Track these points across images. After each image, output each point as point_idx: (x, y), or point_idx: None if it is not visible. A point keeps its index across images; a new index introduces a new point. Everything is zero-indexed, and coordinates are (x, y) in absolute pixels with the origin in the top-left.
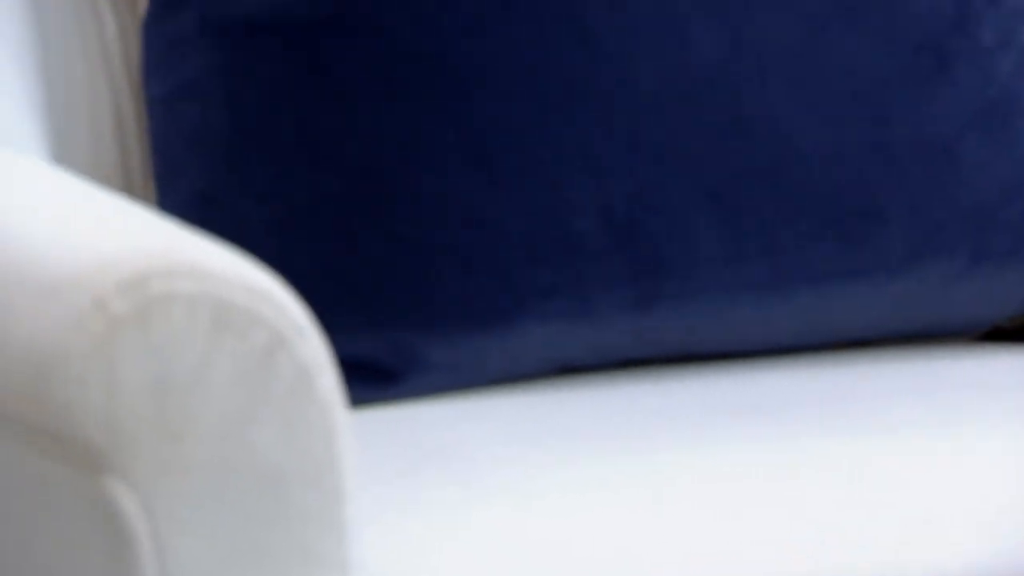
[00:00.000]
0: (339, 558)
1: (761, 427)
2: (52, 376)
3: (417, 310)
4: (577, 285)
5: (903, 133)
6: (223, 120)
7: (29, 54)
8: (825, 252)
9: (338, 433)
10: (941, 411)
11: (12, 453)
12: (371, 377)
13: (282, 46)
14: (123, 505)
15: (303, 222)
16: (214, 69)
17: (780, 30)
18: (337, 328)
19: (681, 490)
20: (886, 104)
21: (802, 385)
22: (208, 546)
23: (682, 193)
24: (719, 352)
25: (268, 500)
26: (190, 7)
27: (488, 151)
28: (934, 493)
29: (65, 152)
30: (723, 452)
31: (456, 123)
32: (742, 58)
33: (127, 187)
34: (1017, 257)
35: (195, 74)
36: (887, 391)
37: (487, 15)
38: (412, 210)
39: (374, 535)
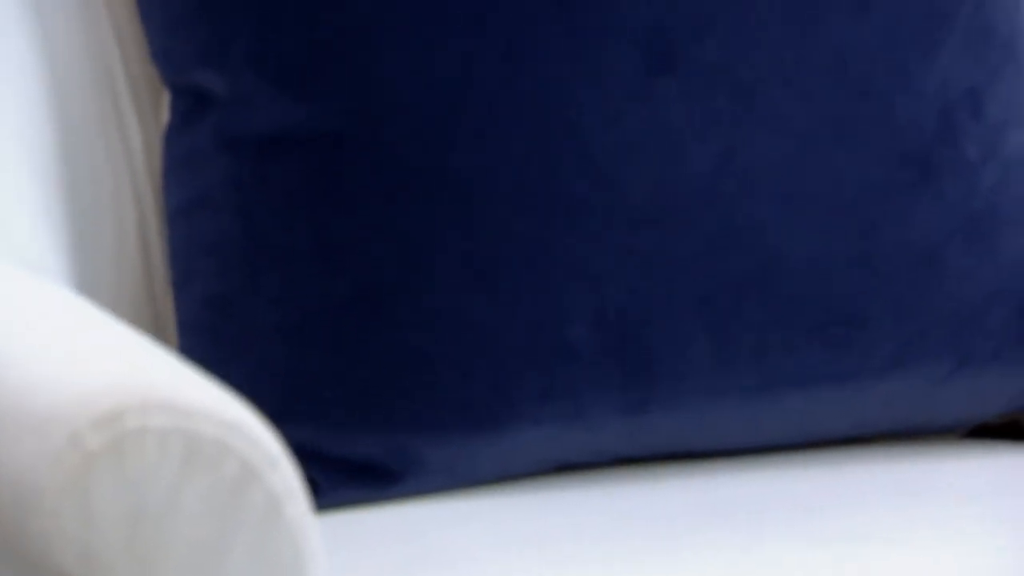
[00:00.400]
0: None
1: (749, 530)
2: (30, 508)
3: (417, 414)
4: (570, 390)
5: (888, 242)
6: (236, 230)
7: (54, 162)
8: (812, 357)
9: (308, 558)
10: (920, 518)
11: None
12: (372, 478)
13: (291, 160)
14: None
15: (312, 327)
16: (228, 181)
17: (769, 145)
18: (341, 430)
19: None
20: (871, 215)
21: (786, 486)
22: None
23: (673, 301)
24: (708, 451)
25: None
26: (205, 121)
27: (486, 261)
28: None
29: (88, 256)
30: (710, 555)
31: (456, 234)
32: (732, 172)
33: (148, 290)
34: (1001, 360)
35: (210, 186)
36: (869, 494)
37: (486, 131)
38: (414, 317)
39: None
